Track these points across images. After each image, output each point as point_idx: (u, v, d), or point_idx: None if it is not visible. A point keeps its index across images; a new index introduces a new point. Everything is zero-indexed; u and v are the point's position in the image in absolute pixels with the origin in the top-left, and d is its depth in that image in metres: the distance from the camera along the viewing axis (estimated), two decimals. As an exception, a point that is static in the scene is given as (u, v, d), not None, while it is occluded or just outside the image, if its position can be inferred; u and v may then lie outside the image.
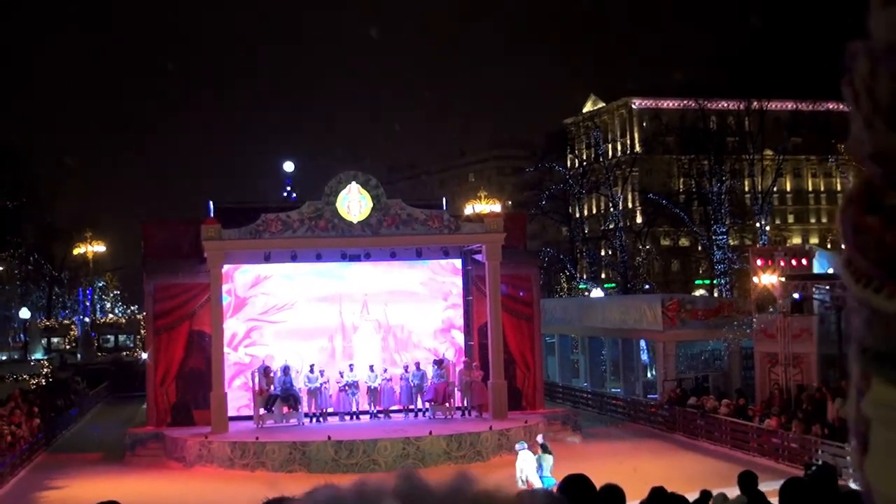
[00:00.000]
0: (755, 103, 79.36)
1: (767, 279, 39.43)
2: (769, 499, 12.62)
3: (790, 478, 10.62)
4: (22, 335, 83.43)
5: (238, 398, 40.04)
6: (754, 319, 41.60)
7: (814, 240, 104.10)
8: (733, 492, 14.59)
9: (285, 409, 39.00)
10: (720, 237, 78.10)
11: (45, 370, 64.50)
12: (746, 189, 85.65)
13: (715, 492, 16.06)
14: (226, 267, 39.16)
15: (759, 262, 40.23)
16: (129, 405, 54.56)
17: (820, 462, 30.45)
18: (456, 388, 40.17)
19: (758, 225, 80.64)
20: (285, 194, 60.32)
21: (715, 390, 43.90)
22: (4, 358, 78.12)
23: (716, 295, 76.63)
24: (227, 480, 33.18)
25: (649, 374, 51.61)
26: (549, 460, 28.38)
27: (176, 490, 32.07)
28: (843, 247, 1.29)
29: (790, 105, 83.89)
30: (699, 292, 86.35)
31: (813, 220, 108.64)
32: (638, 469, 30.95)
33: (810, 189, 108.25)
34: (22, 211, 73.44)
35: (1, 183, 70.94)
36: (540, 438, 29.79)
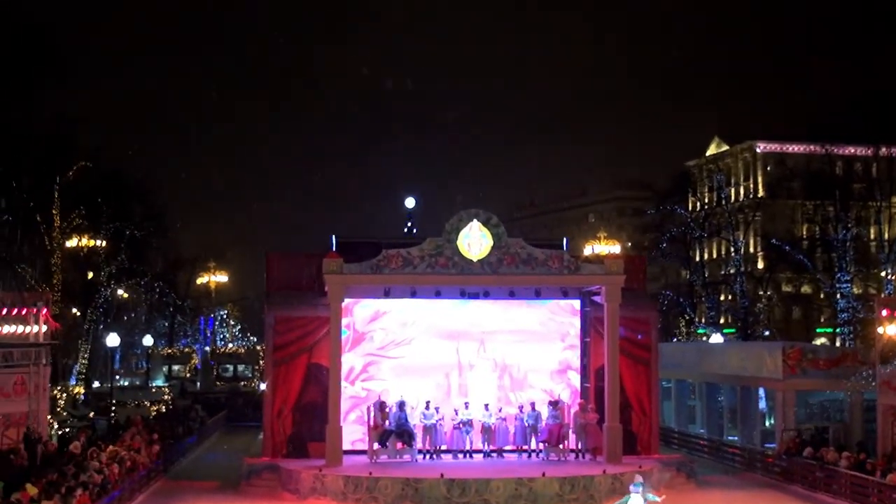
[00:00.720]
0: (884, 149, 77.86)
1: (893, 330, 38.58)
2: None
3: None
4: (144, 362, 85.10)
5: (353, 432, 40.26)
6: (878, 371, 40.71)
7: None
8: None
9: (399, 445, 39.11)
10: (844, 285, 76.56)
11: (166, 397, 65.68)
12: (872, 237, 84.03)
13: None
14: (346, 301, 39.48)
15: (884, 312, 39.40)
16: (246, 435, 55.29)
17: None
18: (570, 430, 39.94)
19: (883, 274, 78.91)
20: (406, 230, 60.76)
21: (835, 442, 43.01)
22: (127, 384, 79.71)
23: (838, 344, 75.13)
24: (340, 514, 33.37)
25: (767, 423, 50.71)
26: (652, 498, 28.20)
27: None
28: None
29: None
30: (821, 341, 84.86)
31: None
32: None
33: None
34: (149, 240, 74.89)
35: (131, 213, 72.47)
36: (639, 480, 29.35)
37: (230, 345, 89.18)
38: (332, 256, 38.79)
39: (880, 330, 39.70)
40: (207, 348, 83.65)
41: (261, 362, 67.71)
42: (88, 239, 67.77)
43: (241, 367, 79.32)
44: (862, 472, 36.63)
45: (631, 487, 28.87)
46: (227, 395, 71.48)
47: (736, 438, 50.95)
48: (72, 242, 66.72)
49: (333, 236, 43.00)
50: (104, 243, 69.55)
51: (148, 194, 75.67)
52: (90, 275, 71.51)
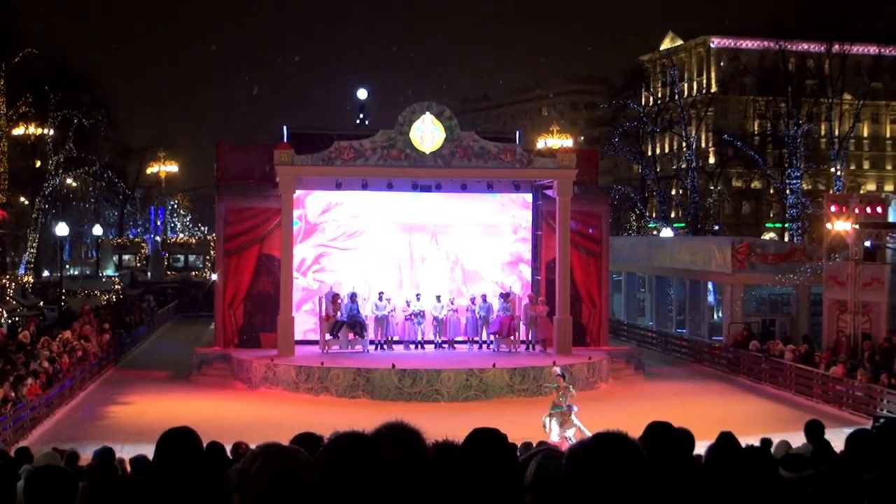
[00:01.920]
0: (836, 46, 77.97)
1: (840, 226, 38.96)
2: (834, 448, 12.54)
3: (858, 429, 10.54)
4: (94, 252, 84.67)
5: (305, 323, 40.38)
6: (825, 266, 41.18)
7: (889, 187, 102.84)
8: (795, 438, 14.52)
9: (351, 336, 39.33)
10: (794, 181, 77.13)
11: (116, 287, 65.47)
12: (823, 133, 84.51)
13: (776, 438, 15.99)
14: (297, 192, 39.33)
15: (832, 208, 39.74)
16: (197, 325, 55.33)
17: (886, 412, 30.29)
18: (521, 322, 40.25)
19: (833, 170, 79.53)
20: (358, 122, 60.29)
21: (781, 335, 43.64)
22: (77, 273, 79.40)
23: (787, 239, 75.93)
24: (291, 403, 33.61)
25: (715, 316, 51.38)
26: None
27: (241, 410, 32.44)
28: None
29: (872, 49, 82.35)
30: (770, 236, 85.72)
31: (889, 168, 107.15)
32: (692, 408, 31.01)
33: (888, 135, 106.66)
34: (97, 129, 74.02)
35: (78, 102, 71.52)
36: (558, 370, 29.18)
37: (181, 235, 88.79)
38: (283, 147, 38.53)
39: (828, 226, 40.08)
40: (158, 238, 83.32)
41: (212, 253, 67.55)
42: (36, 127, 66.93)
43: (192, 258, 79.17)
44: (806, 365, 37.21)
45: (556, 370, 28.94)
46: (177, 285, 71.40)
47: (684, 331, 51.61)
48: (19, 131, 65.85)
49: (285, 127, 42.72)
50: (52, 132, 68.75)
51: (96, 83, 74.71)
52: (38, 164, 70.78)
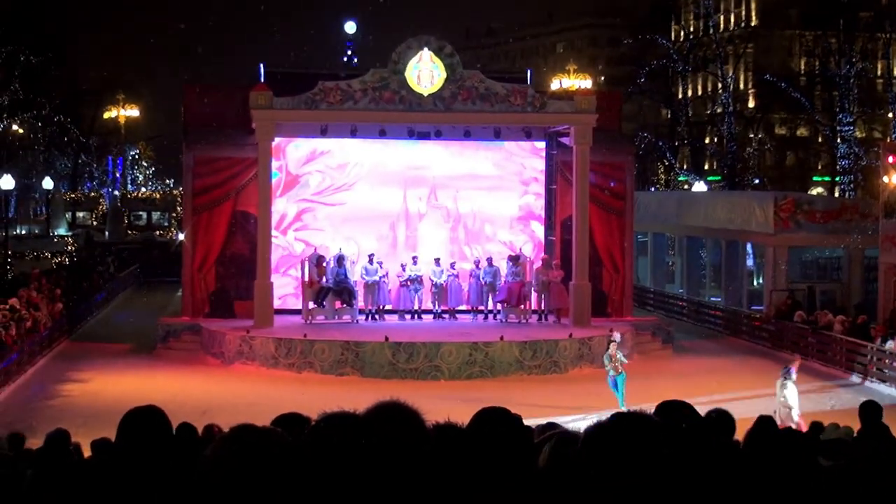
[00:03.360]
0: (896, -28, 77.72)
1: (899, 179, 38.94)
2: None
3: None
4: (44, 208, 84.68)
5: (285, 289, 40.43)
6: (882, 224, 41.16)
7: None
8: (849, 422, 14.54)
9: (338, 304, 39.37)
10: (846, 128, 77.02)
11: (69, 248, 65.47)
12: (879, 73, 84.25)
13: (827, 423, 16.03)
14: (277, 140, 39.28)
15: (890, 159, 39.70)
16: (162, 291, 55.40)
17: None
18: (533, 289, 40.25)
19: (891, 115, 79.40)
20: (346, 59, 60.16)
21: (831, 304, 43.67)
22: (24, 232, 79.30)
23: (837, 195, 75.88)
24: (270, 381, 33.66)
25: (755, 283, 51.45)
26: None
27: (213, 389, 32.51)
28: None
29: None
30: (818, 190, 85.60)
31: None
32: (729, 387, 31.13)
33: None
34: (47, 68, 73.80)
35: (21, 38, 71.25)
36: (618, 337, 30.65)
37: (143, 189, 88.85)
38: (260, 88, 38.44)
39: (885, 179, 40.04)
40: (117, 193, 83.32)
41: (179, 209, 67.52)
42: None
43: (156, 215, 79.22)
44: (860, 339, 37.22)
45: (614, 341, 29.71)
46: (140, 246, 71.34)
47: (719, 299, 51.68)
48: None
49: (262, 65, 42.57)
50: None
51: (44, 16, 74.42)
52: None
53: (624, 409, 24.93)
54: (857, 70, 77.35)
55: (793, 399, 24.79)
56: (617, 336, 30.71)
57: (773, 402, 24.97)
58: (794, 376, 25.35)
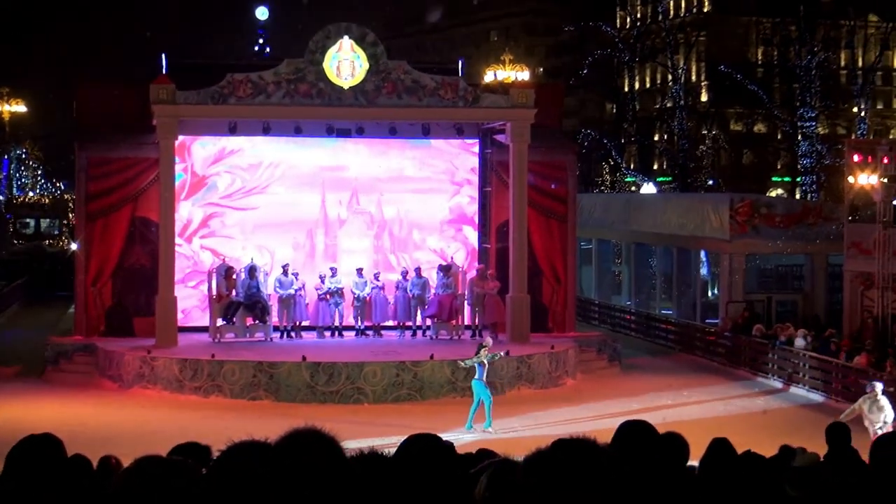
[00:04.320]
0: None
1: (865, 179, 39.25)
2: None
3: (885, 434, 10.63)
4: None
5: (190, 303, 40.21)
6: (846, 229, 41.50)
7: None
8: (814, 446, 14.61)
9: (249, 321, 39.20)
10: (808, 123, 77.70)
11: (-53, 260, 64.76)
12: (843, 64, 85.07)
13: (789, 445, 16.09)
14: (180, 138, 39.05)
15: (855, 158, 40.04)
16: (53, 308, 54.82)
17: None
18: (466, 302, 40.28)
19: (855, 110, 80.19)
20: (257, 49, 60.04)
21: (792, 316, 43.98)
22: None
23: (798, 197, 76.53)
24: (173, 407, 33.43)
25: (710, 294, 51.73)
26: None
27: (109, 417, 32.23)
28: None
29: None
30: (777, 192, 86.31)
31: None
32: (681, 410, 31.30)
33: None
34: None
35: None
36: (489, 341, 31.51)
37: (31, 193, 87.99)
38: (161, 81, 38.17)
39: (850, 179, 40.37)
40: (1, 197, 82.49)
41: (71, 215, 66.99)
42: None
43: (45, 222, 78.49)
44: (824, 354, 37.49)
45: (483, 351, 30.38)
46: (27, 257, 70.70)
47: (670, 312, 51.91)
48: None
49: (163, 56, 42.32)
50: None
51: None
52: None
53: (468, 429, 26.19)
54: (818, 60, 78.01)
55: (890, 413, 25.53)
56: (489, 340, 31.45)
57: (724, 426, 25.07)
58: (880, 389, 26.35)
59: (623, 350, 42.75)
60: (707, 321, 48.23)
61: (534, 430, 29.51)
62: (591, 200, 60.72)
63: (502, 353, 31.93)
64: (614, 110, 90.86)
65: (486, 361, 29.90)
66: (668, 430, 7.58)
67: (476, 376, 29.96)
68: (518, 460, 5.22)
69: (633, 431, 6.51)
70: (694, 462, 7.40)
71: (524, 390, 35.47)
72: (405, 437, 5.01)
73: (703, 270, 52.03)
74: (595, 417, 31.40)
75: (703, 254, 50.90)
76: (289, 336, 39.66)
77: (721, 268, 48.02)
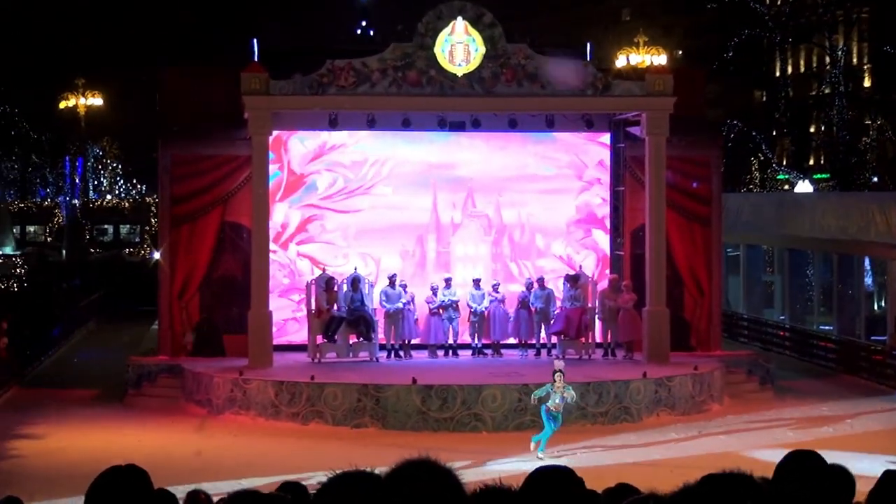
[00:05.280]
0: None
1: None
2: None
3: None
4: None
5: (284, 316, 40.46)
6: None
7: None
8: None
9: (353, 339, 39.33)
10: None
11: (17, 270, 65.68)
12: None
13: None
14: (275, 133, 39.32)
15: None
16: (134, 324, 55.42)
17: None
18: (596, 317, 40.18)
19: None
20: (360, 32, 60.31)
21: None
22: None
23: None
24: (269, 435, 33.63)
25: (875, 307, 51.19)
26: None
27: (197, 446, 32.45)
28: None
29: None
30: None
31: None
32: (846, 441, 30.95)
33: None
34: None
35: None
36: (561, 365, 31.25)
37: (109, 196, 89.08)
38: (253, 69, 38.42)
39: None
40: (76, 201, 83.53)
41: (154, 221, 67.71)
42: None
43: (125, 228, 79.43)
44: None
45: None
46: (105, 267, 71.56)
47: (830, 328, 51.41)
48: None
49: (255, 41, 42.63)
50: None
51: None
52: None
53: (541, 459, 26.12)
54: None
55: None
56: (561, 364, 31.15)
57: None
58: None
59: (776, 371, 42.38)
60: (873, 338, 47.71)
61: (677, 462, 29.33)
62: (739, 201, 60.30)
63: (573, 396, 30.80)
64: (764, 98, 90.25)
65: (563, 394, 29.88)
66: (832, 463, 7.52)
67: (550, 402, 29.96)
68: (664, 496, 5.20)
69: (799, 464, 6.44)
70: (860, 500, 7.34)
71: (664, 416, 35.27)
72: (532, 468, 5.00)
73: (868, 280, 51.47)
74: (747, 447, 31.17)
75: (867, 261, 50.37)
76: (397, 356, 39.76)
77: (889, 277, 47.49)
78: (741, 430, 34.03)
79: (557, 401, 29.72)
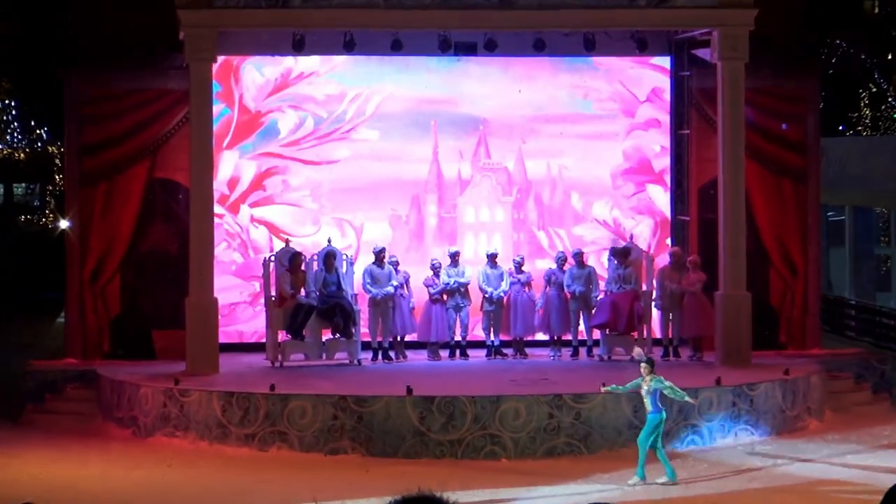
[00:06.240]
0: None
1: None
2: None
3: None
4: None
5: (234, 302, 40.48)
6: None
7: None
8: None
9: (327, 334, 39.36)
10: None
11: None
12: None
13: None
14: (221, 58, 39.25)
15: None
16: (33, 318, 55.55)
17: None
18: (654, 304, 40.18)
19: None
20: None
21: None
22: None
23: None
24: (215, 465, 33.63)
25: None
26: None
27: (118, 480, 32.46)
28: None
29: None
30: None
31: None
32: None
33: None
34: None
35: None
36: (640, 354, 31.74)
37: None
38: (192, -26, 38.42)
39: None
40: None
41: (59, 178, 67.82)
42: None
43: (19, 189, 79.61)
44: None
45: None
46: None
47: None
48: None
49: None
50: None
51: None
52: None
53: (670, 479, 26.44)
54: None
55: None
56: (641, 353, 31.79)
57: None
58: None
59: (894, 375, 42.40)
60: None
61: (761, 496, 29.37)
62: (844, 148, 60.40)
63: (671, 388, 30.64)
64: (876, 9, 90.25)
65: (651, 386, 29.77)
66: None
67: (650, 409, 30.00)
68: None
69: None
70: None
71: (743, 436, 35.26)
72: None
73: None
74: (854, 477, 31.17)
75: None
76: (386, 357, 39.80)
77: None
78: (847, 452, 34.00)
79: (650, 406, 29.97)
